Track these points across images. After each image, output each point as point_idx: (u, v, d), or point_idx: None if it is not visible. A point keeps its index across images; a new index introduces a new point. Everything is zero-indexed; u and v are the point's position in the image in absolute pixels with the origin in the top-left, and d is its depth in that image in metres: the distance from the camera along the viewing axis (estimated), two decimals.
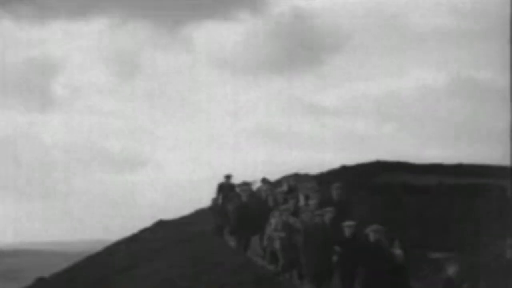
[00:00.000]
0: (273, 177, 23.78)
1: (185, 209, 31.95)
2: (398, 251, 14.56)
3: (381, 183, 30.30)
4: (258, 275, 18.32)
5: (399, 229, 18.24)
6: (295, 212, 18.05)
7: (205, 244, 23.22)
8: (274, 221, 17.97)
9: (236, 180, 23.57)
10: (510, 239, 13.68)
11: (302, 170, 30.32)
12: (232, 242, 22.08)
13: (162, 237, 26.76)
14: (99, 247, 30.34)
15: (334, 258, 15.31)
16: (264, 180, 22.12)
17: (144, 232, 29.38)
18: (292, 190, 20.37)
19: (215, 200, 24.22)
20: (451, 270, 13.02)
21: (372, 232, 14.34)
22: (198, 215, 29.55)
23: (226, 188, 23.54)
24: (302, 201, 18.99)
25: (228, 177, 23.79)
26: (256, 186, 22.33)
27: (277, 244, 17.66)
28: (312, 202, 17.73)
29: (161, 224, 30.00)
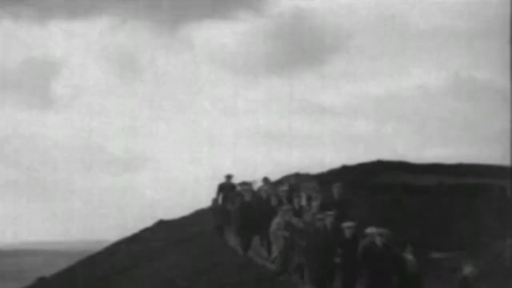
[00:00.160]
0: (273, 177, 23.67)
1: (185, 209, 31.87)
2: (409, 257, 14.15)
3: (381, 183, 30.24)
4: (258, 275, 18.29)
5: (399, 229, 18.20)
6: (298, 212, 18.00)
7: (205, 244, 23.18)
8: (277, 220, 17.89)
9: (236, 180, 23.54)
10: (510, 239, 13.65)
11: (303, 170, 30.21)
12: (232, 242, 22.04)
13: (162, 237, 26.71)
14: (99, 247, 30.26)
15: (337, 259, 15.27)
16: (265, 180, 22.04)
17: (145, 232, 29.31)
18: (293, 190, 20.31)
19: (215, 200, 24.19)
20: (467, 270, 12.88)
21: (378, 236, 14.11)
22: (198, 215, 29.48)
23: (226, 188, 23.49)
24: (304, 201, 18.94)
25: (228, 177, 23.73)
26: (256, 185, 22.28)
27: (280, 243, 17.59)
28: (315, 204, 17.67)
29: (161, 224, 29.94)
